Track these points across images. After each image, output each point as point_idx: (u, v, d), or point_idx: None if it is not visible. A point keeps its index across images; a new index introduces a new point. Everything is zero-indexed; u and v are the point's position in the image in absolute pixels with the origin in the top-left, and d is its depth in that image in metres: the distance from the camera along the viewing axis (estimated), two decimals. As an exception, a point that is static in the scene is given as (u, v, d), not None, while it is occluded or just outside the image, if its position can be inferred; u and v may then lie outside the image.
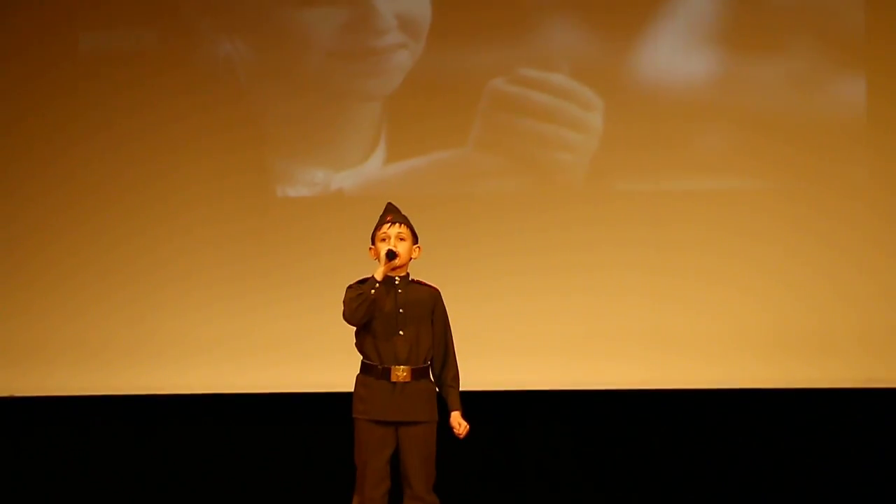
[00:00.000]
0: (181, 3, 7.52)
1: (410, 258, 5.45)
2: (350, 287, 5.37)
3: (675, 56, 7.19)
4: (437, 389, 5.50)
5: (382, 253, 5.35)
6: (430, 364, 5.48)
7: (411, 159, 7.38)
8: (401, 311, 5.39)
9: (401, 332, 5.38)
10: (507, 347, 7.12)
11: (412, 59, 7.33)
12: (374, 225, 5.43)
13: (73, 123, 7.46)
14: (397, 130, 7.38)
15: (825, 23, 7.10)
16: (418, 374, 5.39)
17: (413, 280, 5.47)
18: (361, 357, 5.42)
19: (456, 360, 5.53)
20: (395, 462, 5.35)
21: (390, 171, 7.37)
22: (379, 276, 5.31)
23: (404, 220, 5.44)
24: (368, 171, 7.38)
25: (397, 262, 5.35)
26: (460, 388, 5.51)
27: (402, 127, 7.38)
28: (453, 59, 7.31)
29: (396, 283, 5.40)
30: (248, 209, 7.33)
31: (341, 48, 7.40)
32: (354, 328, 5.41)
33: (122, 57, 7.54)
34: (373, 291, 5.30)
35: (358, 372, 5.43)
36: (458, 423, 5.43)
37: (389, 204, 5.51)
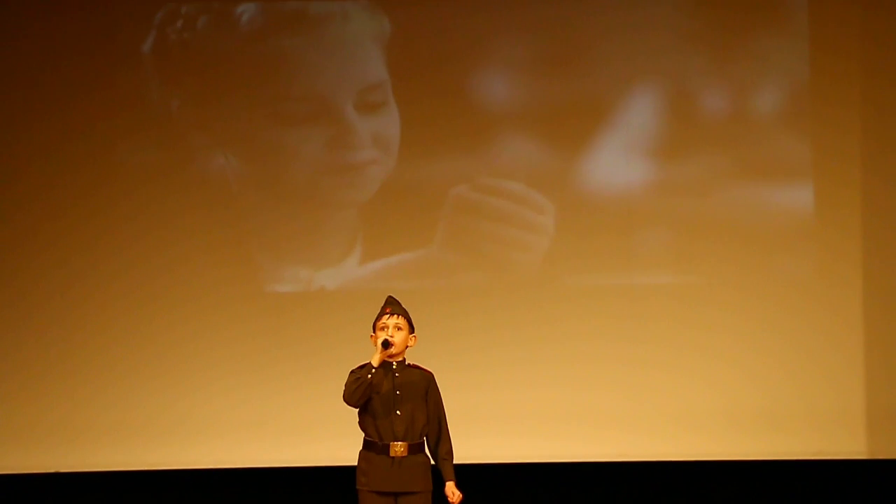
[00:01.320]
0: (181, 122, 7.69)
1: (406, 346, 5.53)
2: (352, 371, 5.45)
3: (619, 164, 7.50)
4: (433, 462, 5.56)
5: (379, 342, 5.44)
6: (426, 439, 5.56)
7: (384, 259, 7.56)
8: (397, 392, 5.48)
9: (398, 412, 5.47)
10: (494, 425, 7.38)
11: (385, 171, 7.55)
12: (368, 316, 5.57)
13: (89, 226, 7.62)
14: (372, 233, 7.60)
15: (772, 126, 7.52)
16: (414, 448, 5.49)
17: (409, 364, 5.57)
18: (363, 434, 5.52)
19: (449, 436, 5.60)
20: (396, 529, 5.42)
21: (366, 269, 7.56)
22: (375, 363, 5.40)
23: (402, 312, 5.55)
24: (346, 269, 7.58)
25: (393, 350, 5.44)
26: (454, 461, 5.58)
27: (376, 230, 7.60)
28: (421, 169, 7.56)
29: (394, 367, 5.50)
30: (244, 304, 7.58)
31: (323, 162, 7.62)
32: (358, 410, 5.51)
33: (125, 167, 7.70)
34: (369, 376, 5.39)
35: (361, 448, 5.54)
36: (452, 493, 5.52)
37: (390, 297, 5.61)
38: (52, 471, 7.53)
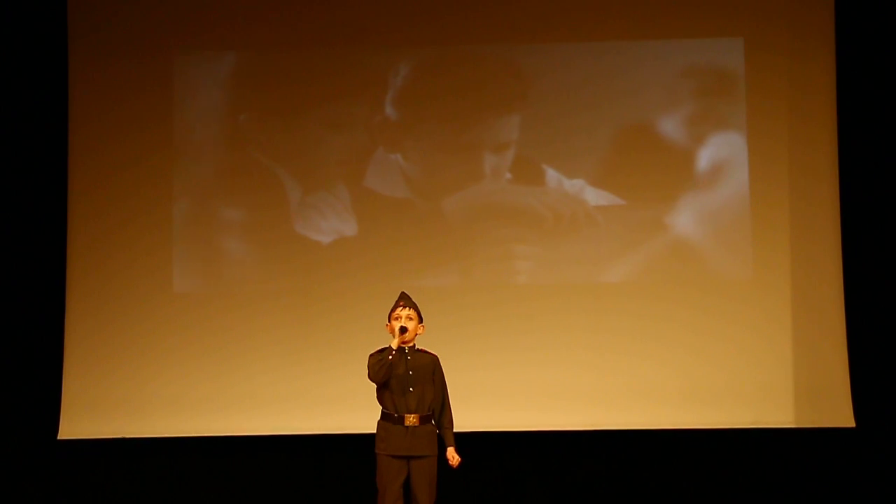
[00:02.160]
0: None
1: (417, 334, 6.14)
2: (371, 355, 6.06)
3: (588, 189, 7.93)
4: (438, 431, 6.14)
5: (396, 328, 6.03)
6: (433, 412, 6.11)
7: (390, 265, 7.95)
8: (410, 372, 6.06)
9: (410, 389, 6.05)
10: (488, 400, 7.75)
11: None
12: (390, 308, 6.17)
13: (153, 231, 8.03)
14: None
15: (715, 159, 7.95)
16: (424, 419, 6.06)
17: (419, 349, 6.16)
18: (381, 408, 6.09)
19: (451, 409, 6.19)
20: (407, 486, 6.06)
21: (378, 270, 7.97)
22: (395, 346, 5.99)
23: (413, 305, 6.12)
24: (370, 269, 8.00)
25: (407, 336, 6.03)
26: (454, 430, 6.18)
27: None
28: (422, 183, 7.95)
29: (406, 352, 6.09)
30: (295, 304, 7.99)
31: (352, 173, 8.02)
32: (376, 386, 6.07)
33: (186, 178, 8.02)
34: (390, 357, 5.98)
35: (379, 418, 6.10)
36: (452, 457, 6.12)
37: (402, 292, 6.21)
38: (118, 436, 7.93)
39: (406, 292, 6.26)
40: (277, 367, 7.96)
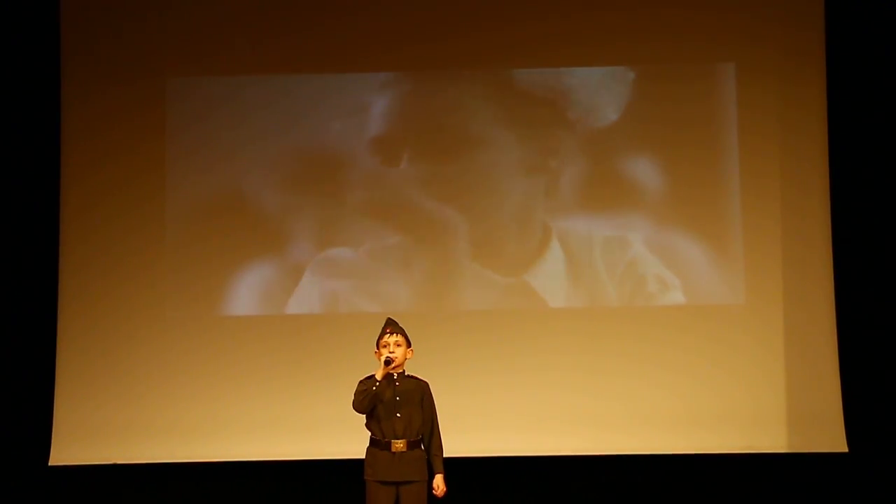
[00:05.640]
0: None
1: (405, 359, 6.01)
2: (360, 382, 5.94)
3: (579, 219, 7.86)
4: (427, 456, 6.03)
5: (382, 359, 5.94)
6: (422, 437, 6.01)
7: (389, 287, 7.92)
8: (397, 398, 5.95)
9: (398, 415, 5.95)
10: (481, 423, 7.70)
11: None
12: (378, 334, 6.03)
13: (145, 253, 7.93)
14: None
15: (702, 183, 7.92)
16: (412, 445, 5.96)
17: (408, 375, 6.04)
18: (370, 433, 6.00)
19: (440, 434, 6.07)
20: (397, 512, 5.92)
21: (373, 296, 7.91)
22: (379, 376, 5.89)
23: (400, 331, 6.01)
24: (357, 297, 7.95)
25: (394, 364, 5.92)
26: (443, 456, 6.06)
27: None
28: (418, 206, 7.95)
29: (395, 377, 5.98)
30: (285, 329, 7.91)
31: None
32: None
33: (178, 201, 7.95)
34: (374, 388, 5.89)
35: (368, 444, 6.01)
36: (436, 487, 6.02)
37: (389, 318, 6.10)
38: (110, 462, 7.83)
39: (393, 318, 6.14)
40: (270, 393, 7.88)
